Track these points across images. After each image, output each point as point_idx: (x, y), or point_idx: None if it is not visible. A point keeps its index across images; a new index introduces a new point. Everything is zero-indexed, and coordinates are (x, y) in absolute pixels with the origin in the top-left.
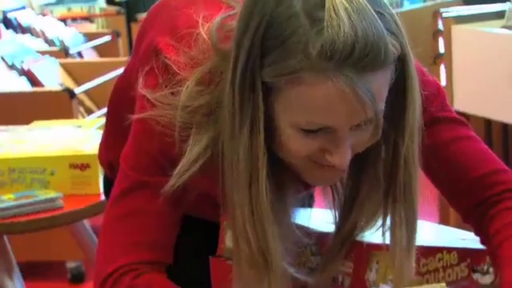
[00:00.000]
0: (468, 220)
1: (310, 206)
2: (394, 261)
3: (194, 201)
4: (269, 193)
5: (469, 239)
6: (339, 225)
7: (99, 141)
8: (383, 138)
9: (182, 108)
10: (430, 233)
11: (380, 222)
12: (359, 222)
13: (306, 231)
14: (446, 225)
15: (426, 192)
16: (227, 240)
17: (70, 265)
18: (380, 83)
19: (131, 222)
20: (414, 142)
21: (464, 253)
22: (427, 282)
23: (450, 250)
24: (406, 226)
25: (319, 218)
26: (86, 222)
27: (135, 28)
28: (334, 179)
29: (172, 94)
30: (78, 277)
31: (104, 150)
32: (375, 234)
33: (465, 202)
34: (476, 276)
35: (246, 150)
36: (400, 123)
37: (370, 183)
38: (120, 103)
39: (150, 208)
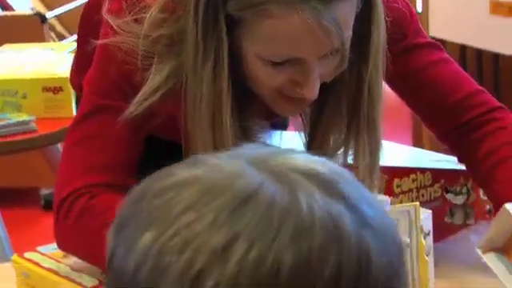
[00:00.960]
0: (446, 140)
1: (284, 128)
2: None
3: (160, 124)
4: (233, 130)
5: (443, 161)
6: (308, 148)
7: (71, 64)
8: (348, 66)
9: (144, 37)
10: (405, 155)
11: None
12: (325, 146)
13: None
14: (419, 147)
15: (400, 117)
16: None
17: (44, 192)
18: (346, 12)
19: (89, 145)
20: (378, 70)
21: (438, 174)
22: (401, 202)
23: (423, 170)
24: (368, 153)
25: (291, 140)
26: (60, 148)
27: None
28: (302, 109)
29: (135, 20)
30: (51, 203)
31: (75, 74)
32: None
33: (445, 125)
34: (449, 196)
35: (210, 86)
36: (364, 50)
37: (332, 110)
38: (88, 27)
39: (109, 132)
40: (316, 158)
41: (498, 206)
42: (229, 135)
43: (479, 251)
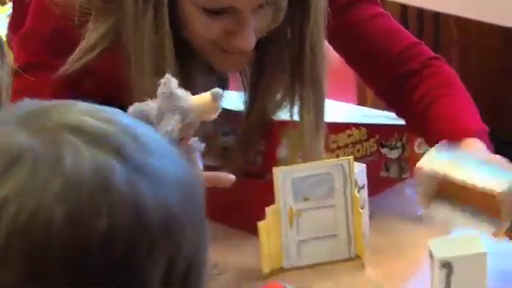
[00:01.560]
0: (383, 96)
1: (225, 88)
2: (303, 142)
3: (95, 85)
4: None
5: (378, 116)
6: (249, 107)
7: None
8: (289, 21)
9: None
10: (340, 111)
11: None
12: (267, 104)
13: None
14: (364, 106)
15: (345, 77)
16: None
17: None
18: None
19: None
20: (320, 27)
21: (373, 129)
22: (337, 157)
23: (359, 126)
24: (314, 109)
25: (232, 99)
26: None
27: None
28: (240, 65)
29: None
30: None
31: (11, 33)
32: (287, 112)
33: (383, 79)
34: (384, 151)
35: (151, 37)
36: (304, 8)
37: (274, 69)
38: None
39: (42, 90)
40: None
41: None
42: None
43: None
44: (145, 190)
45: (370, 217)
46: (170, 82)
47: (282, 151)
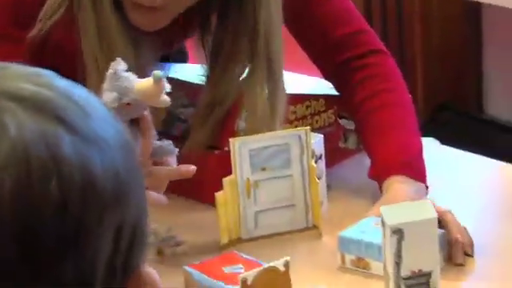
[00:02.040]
0: (330, 78)
1: (184, 61)
2: (256, 116)
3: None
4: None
5: None
6: (208, 80)
7: None
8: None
9: None
10: (301, 83)
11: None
12: (226, 77)
13: (176, 83)
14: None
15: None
16: None
17: None
18: None
19: None
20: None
21: (331, 100)
22: (295, 128)
23: (317, 97)
24: (271, 81)
25: (193, 72)
26: None
27: None
28: (155, 22)
29: None
30: None
31: None
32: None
33: (329, 60)
34: (342, 122)
35: (95, 13)
36: None
37: (231, 43)
38: None
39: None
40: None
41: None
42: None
43: None
44: (93, 158)
45: (328, 187)
46: (116, 64)
47: (241, 123)
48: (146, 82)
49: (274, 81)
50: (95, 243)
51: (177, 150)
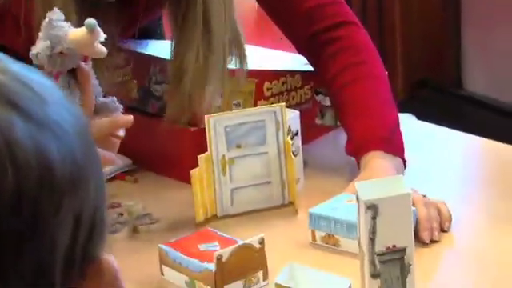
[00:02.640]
0: (302, 52)
1: (162, 37)
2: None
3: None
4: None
5: None
6: (172, 54)
7: None
8: None
9: None
10: (278, 59)
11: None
12: (186, 52)
13: (150, 59)
14: None
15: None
16: None
17: None
18: None
19: None
20: None
21: (307, 76)
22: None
23: (293, 73)
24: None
25: (166, 49)
26: None
27: None
28: None
29: None
30: None
31: None
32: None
33: (300, 32)
34: (319, 98)
35: None
36: None
37: (187, 16)
38: None
39: None
40: None
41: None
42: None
43: None
44: (49, 144)
45: (305, 164)
46: (52, 13)
47: (216, 100)
48: (80, 31)
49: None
50: (53, 233)
51: (121, 106)
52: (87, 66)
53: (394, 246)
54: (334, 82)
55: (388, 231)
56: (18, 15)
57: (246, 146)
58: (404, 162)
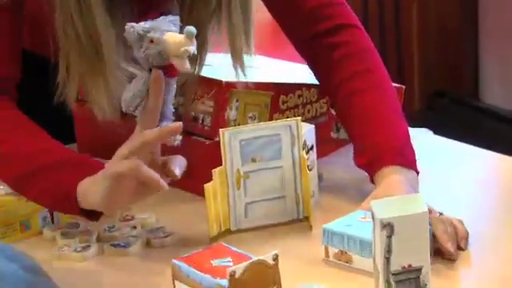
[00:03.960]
0: (301, 52)
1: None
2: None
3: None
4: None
5: None
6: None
7: None
8: None
9: None
10: (293, 71)
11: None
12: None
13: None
14: None
15: None
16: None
17: None
18: None
19: None
20: None
21: None
22: (287, 118)
23: (309, 86)
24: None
25: None
26: None
27: None
28: None
29: None
30: None
31: None
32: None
33: (300, 33)
34: (334, 111)
35: None
36: None
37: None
38: None
39: None
40: None
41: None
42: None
43: None
44: None
45: (320, 178)
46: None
47: (231, 113)
48: (178, 35)
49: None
50: None
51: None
52: (171, 80)
53: (410, 266)
54: (339, 89)
55: (404, 250)
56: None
57: (260, 160)
58: (417, 173)
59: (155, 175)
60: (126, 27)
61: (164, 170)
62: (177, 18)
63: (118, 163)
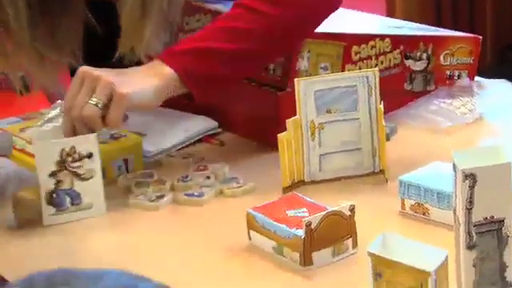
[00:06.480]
0: None
1: None
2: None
3: None
4: None
5: (404, 27)
6: None
7: None
8: None
9: None
10: (366, 22)
11: None
12: None
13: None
14: (393, 18)
15: None
16: None
17: None
18: None
19: None
20: None
21: (397, 39)
22: (359, 69)
23: (383, 37)
24: None
25: None
26: None
27: None
28: None
29: None
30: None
31: None
32: None
33: None
34: (409, 62)
35: None
36: None
37: None
38: None
39: None
40: None
41: None
42: None
43: None
44: None
45: (394, 130)
46: None
47: (303, 63)
48: None
49: None
50: None
51: None
52: None
53: (492, 217)
54: None
55: (486, 201)
56: None
57: (336, 111)
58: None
59: None
60: None
61: None
62: None
63: None
